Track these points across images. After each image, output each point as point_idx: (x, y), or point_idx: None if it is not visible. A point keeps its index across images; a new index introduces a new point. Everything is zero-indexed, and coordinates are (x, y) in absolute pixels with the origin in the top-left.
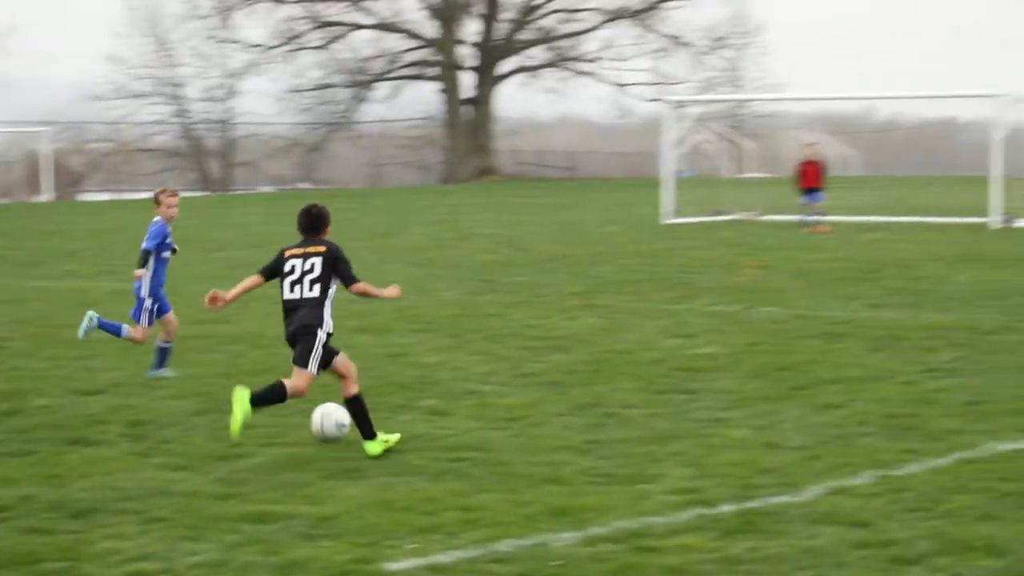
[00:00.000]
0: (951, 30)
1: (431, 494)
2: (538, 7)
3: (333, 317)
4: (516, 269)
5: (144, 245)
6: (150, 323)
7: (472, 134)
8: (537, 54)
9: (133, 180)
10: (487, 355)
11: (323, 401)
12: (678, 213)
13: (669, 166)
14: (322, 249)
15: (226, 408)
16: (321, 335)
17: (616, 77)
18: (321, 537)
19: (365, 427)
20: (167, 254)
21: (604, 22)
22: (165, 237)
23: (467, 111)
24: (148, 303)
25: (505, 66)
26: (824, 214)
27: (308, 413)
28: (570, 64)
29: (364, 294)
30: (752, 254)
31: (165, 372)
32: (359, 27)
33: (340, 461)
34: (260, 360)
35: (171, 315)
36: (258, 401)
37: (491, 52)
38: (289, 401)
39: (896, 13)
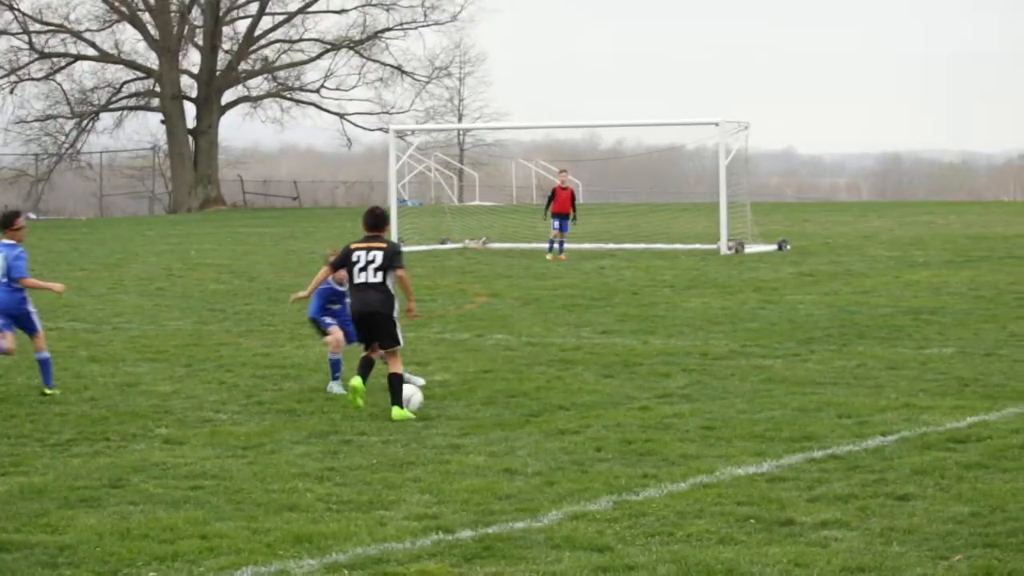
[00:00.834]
0: (677, 60)
1: (169, 522)
2: (259, 37)
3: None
4: (245, 298)
5: None
6: None
7: (196, 164)
8: (259, 84)
9: None
10: (220, 383)
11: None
12: (405, 241)
13: (394, 195)
14: (384, 245)
15: None
16: (396, 317)
17: (339, 107)
18: (62, 566)
19: (397, 396)
20: None
21: (325, 52)
22: None
23: (191, 141)
24: None
25: (228, 96)
26: (563, 242)
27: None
28: (292, 94)
29: (403, 281)
30: (481, 282)
31: None
32: (81, 58)
33: (77, 490)
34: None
35: None
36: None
37: (213, 82)
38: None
39: (622, 42)
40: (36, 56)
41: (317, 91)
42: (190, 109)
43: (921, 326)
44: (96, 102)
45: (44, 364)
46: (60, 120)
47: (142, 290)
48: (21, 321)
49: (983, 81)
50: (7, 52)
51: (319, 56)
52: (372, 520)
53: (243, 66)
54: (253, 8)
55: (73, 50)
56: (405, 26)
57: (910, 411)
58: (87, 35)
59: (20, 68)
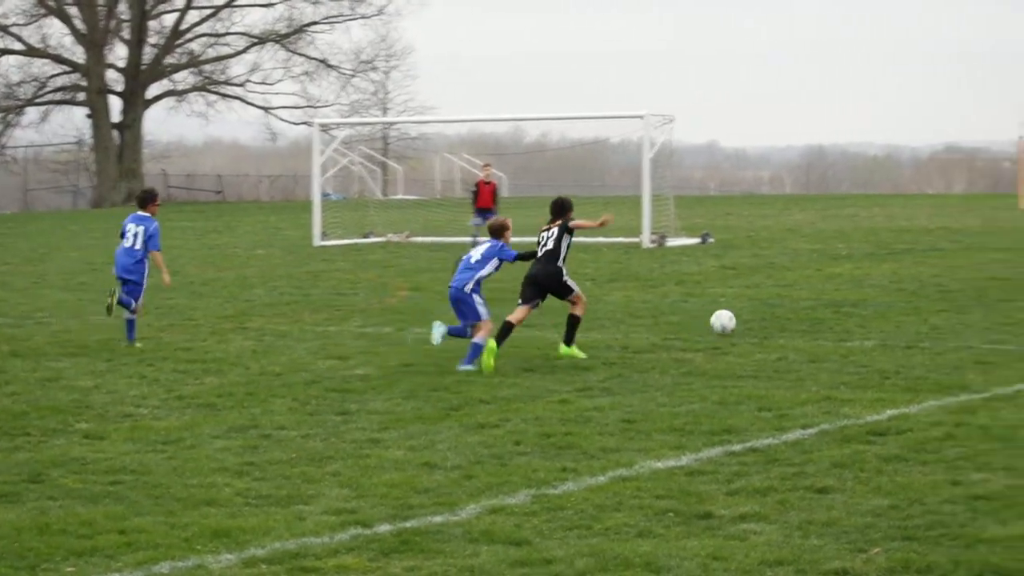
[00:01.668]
0: (601, 53)
1: (88, 517)
2: (186, 31)
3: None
4: (167, 292)
5: None
6: None
7: (121, 158)
8: (185, 78)
9: None
10: (141, 378)
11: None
12: (328, 236)
13: (318, 189)
14: (558, 223)
15: None
16: (565, 274)
17: (263, 100)
18: None
19: (571, 335)
20: None
21: (250, 46)
22: None
23: (116, 135)
24: None
25: (153, 90)
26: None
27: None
28: (217, 88)
29: (579, 227)
30: (403, 276)
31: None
32: (7, 52)
33: None
34: None
35: None
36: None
37: (139, 76)
38: None
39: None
40: None
41: (242, 85)
42: (116, 103)
43: (842, 319)
44: (22, 96)
45: None
46: None
47: (64, 285)
48: None
49: (908, 74)
50: None
51: (245, 50)
52: (290, 515)
53: (169, 60)
54: (180, 2)
55: None
56: (331, 20)
57: (830, 404)
58: (14, 29)
59: None
